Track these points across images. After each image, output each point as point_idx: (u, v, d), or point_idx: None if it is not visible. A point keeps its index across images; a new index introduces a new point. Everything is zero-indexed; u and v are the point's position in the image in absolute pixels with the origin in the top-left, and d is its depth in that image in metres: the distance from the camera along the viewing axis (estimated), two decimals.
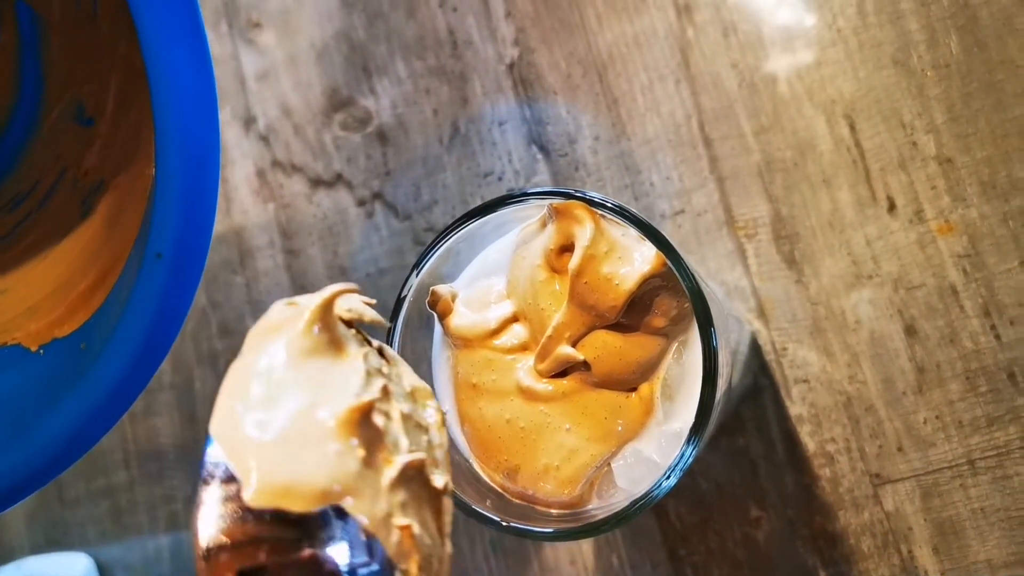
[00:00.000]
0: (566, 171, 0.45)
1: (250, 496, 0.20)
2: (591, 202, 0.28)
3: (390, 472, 0.21)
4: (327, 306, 0.23)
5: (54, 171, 0.41)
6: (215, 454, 0.21)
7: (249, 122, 0.51)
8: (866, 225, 0.40)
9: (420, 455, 0.22)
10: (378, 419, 0.22)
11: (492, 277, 0.32)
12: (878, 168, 0.40)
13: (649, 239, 0.28)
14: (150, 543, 0.51)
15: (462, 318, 0.30)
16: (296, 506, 0.20)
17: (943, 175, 0.39)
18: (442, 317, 0.31)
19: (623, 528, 0.42)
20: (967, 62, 0.39)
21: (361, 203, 0.48)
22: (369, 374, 0.23)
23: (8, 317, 0.39)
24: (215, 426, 0.21)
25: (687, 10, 0.43)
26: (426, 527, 0.21)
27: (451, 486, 0.23)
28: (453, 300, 0.31)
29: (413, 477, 0.22)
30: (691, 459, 0.27)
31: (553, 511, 0.30)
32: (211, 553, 0.20)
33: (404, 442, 0.22)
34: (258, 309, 0.49)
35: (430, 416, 0.24)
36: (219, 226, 0.50)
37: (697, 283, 0.27)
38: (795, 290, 0.41)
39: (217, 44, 0.51)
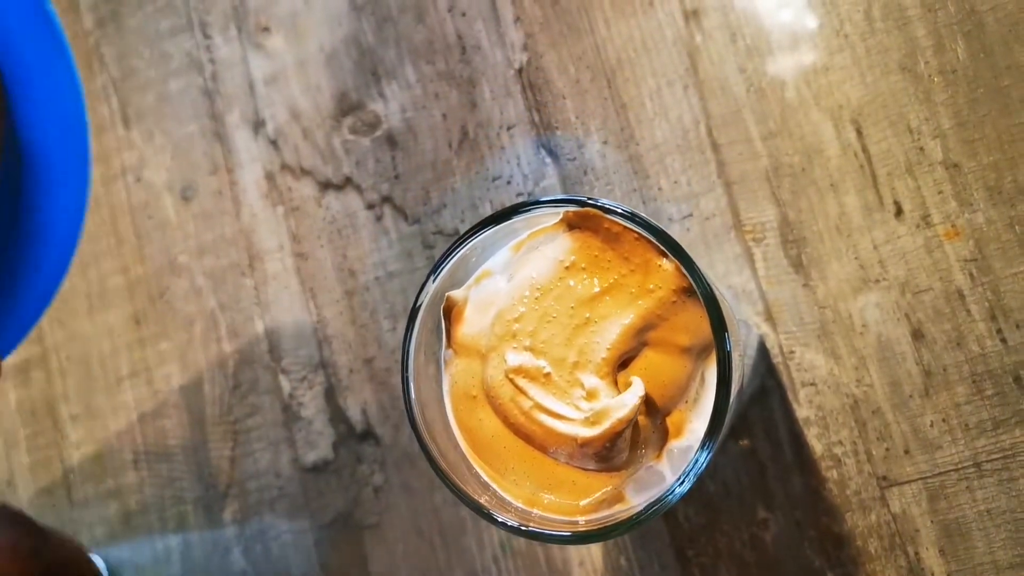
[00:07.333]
0: (575, 175, 0.45)
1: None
2: (605, 209, 0.28)
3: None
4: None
5: None
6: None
7: (258, 126, 0.51)
8: (873, 230, 0.40)
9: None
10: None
11: (496, 277, 0.32)
12: (885, 173, 0.40)
13: (662, 244, 0.28)
14: (159, 543, 0.51)
15: (471, 326, 0.31)
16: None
17: (950, 180, 0.40)
18: (454, 323, 0.31)
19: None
20: (974, 68, 0.40)
21: (370, 207, 0.48)
22: None
23: None
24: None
25: (695, 16, 0.44)
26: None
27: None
28: (466, 305, 0.31)
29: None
30: (705, 465, 0.27)
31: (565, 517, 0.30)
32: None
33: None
34: (267, 312, 0.50)
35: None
36: (228, 229, 0.51)
37: (711, 289, 0.27)
38: (802, 294, 0.41)
39: (226, 48, 0.52)
